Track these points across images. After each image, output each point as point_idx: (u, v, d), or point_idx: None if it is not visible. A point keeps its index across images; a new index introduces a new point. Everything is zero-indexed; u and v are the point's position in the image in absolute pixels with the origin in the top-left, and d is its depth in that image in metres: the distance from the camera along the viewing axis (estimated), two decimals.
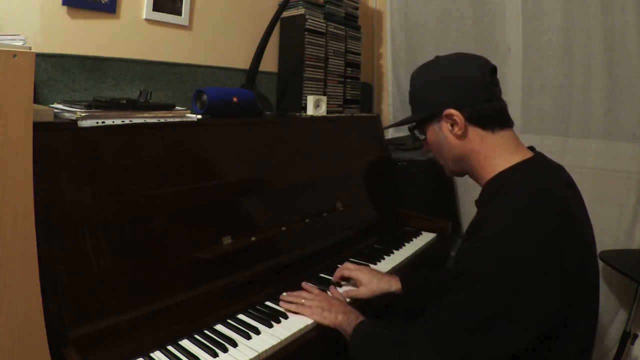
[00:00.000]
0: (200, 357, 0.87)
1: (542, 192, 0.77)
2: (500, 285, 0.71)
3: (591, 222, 0.86)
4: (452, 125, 0.85)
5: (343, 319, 0.97)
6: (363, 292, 1.13)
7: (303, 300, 1.06)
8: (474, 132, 0.85)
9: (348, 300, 1.12)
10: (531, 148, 0.89)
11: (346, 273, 1.18)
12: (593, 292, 0.79)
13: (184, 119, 1.15)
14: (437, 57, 0.93)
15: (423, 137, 0.94)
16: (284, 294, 1.11)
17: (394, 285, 1.14)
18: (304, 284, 1.15)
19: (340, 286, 1.19)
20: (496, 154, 0.84)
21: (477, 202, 0.87)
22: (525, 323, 0.70)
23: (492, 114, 0.84)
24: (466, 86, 0.84)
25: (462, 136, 0.85)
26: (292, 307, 1.05)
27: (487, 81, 0.84)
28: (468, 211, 2.02)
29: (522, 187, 0.78)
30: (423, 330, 0.78)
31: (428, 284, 1.15)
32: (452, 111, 0.84)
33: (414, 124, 0.95)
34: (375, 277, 1.15)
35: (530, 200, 0.75)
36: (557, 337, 0.73)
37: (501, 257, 0.71)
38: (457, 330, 0.73)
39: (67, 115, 0.96)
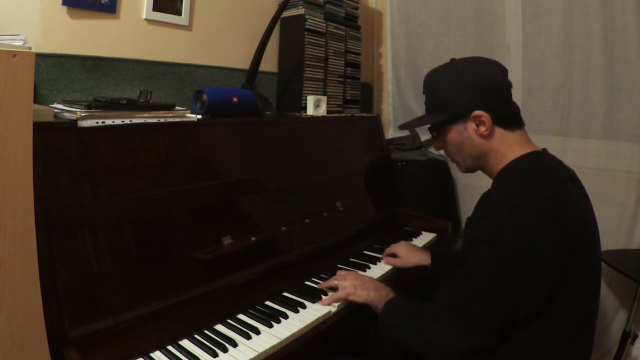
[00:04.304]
0: (200, 357, 0.87)
1: (543, 175, 0.85)
2: (500, 250, 0.77)
3: (596, 221, 0.90)
4: (477, 125, 0.91)
5: (375, 295, 1.04)
6: (399, 262, 1.35)
7: (336, 282, 1.12)
8: (497, 132, 0.91)
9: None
10: (543, 150, 0.95)
11: (389, 250, 1.41)
12: (590, 279, 0.83)
13: (184, 119, 1.15)
14: (454, 60, 0.97)
15: (438, 136, 0.99)
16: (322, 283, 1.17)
17: (425, 259, 1.33)
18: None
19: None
20: (511, 149, 0.91)
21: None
22: (526, 285, 0.76)
23: (512, 115, 0.92)
24: (491, 89, 0.90)
25: (487, 136, 0.91)
26: (330, 299, 1.09)
27: (507, 84, 0.92)
28: (468, 211, 2.01)
29: (527, 169, 0.87)
30: (438, 302, 0.86)
31: (452, 258, 1.29)
32: (481, 112, 0.89)
33: (432, 123, 1.00)
34: (411, 251, 1.37)
35: (533, 178, 0.83)
36: (550, 313, 0.78)
37: (503, 224, 0.78)
38: (466, 296, 0.81)
39: (67, 115, 0.96)
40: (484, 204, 0.85)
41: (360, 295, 1.06)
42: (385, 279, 1.31)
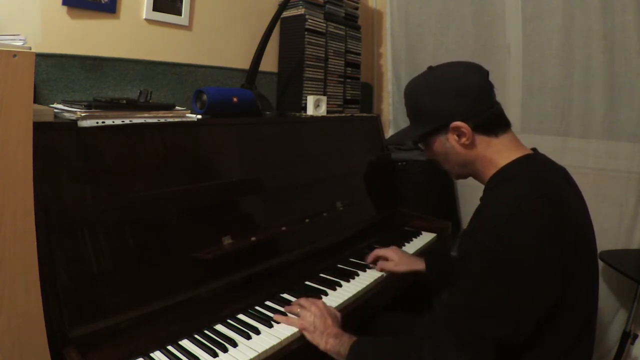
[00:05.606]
0: (200, 357, 0.87)
1: (538, 179, 0.82)
2: (499, 263, 0.74)
3: (591, 220, 0.88)
4: (458, 136, 0.88)
5: (334, 343, 0.93)
6: (392, 266, 1.29)
7: (298, 310, 1.03)
8: (480, 140, 0.88)
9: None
10: (533, 150, 0.93)
11: (378, 252, 1.33)
12: (588, 281, 0.82)
13: (184, 119, 1.15)
14: (431, 68, 0.95)
15: (425, 146, 0.97)
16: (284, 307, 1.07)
17: (419, 265, 1.28)
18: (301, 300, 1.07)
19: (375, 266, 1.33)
20: (499, 155, 0.88)
21: (481, 198, 0.89)
22: (530, 297, 0.73)
23: (494, 120, 0.89)
24: (469, 96, 0.87)
25: (470, 145, 0.88)
26: (287, 322, 1.01)
27: (486, 88, 0.89)
28: (468, 211, 2.02)
29: (519, 175, 0.83)
30: (435, 322, 0.80)
31: (448, 264, 1.22)
32: (459, 123, 0.86)
33: (418, 136, 0.97)
34: (404, 256, 1.32)
35: (527, 186, 0.80)
36: (551, 321, 0.76)
37: (499, 236, 0.75)
38: (467, 313, 0.75)
39: (67, 115, 0.96)
40: (477, 216, 0.83)
41: (317, 340, 0.95)
42: (386, 279, 1.31)
